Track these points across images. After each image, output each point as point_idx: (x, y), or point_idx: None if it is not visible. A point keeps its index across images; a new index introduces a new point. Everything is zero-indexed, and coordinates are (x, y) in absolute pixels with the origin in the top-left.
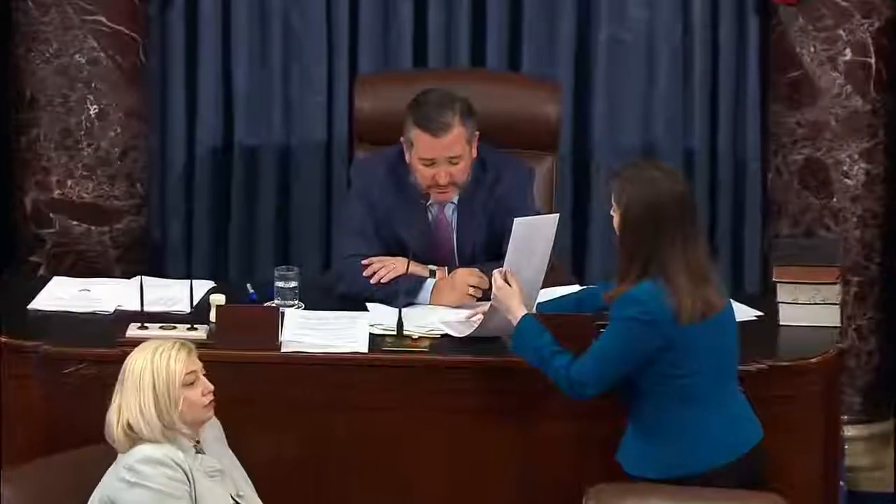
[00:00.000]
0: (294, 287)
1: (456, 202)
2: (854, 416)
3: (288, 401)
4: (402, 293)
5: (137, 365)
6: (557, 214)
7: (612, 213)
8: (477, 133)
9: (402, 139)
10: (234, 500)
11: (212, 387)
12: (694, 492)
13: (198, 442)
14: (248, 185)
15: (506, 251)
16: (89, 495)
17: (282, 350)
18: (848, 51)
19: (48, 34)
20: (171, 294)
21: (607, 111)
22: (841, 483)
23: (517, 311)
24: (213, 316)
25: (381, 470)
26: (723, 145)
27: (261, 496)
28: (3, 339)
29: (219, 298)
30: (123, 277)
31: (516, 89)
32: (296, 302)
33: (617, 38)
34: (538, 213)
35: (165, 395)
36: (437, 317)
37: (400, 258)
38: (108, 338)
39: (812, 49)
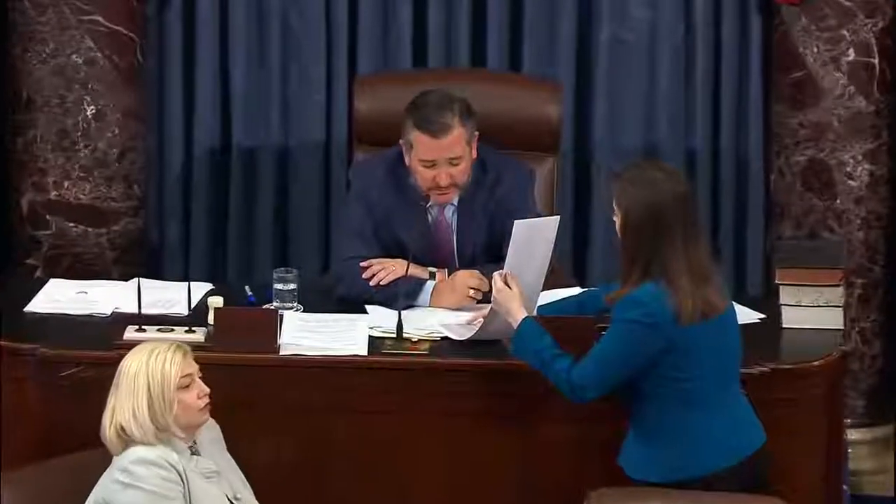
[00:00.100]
0: (293, 289)
1: (456, 204)
2: (857, 420)
3: (287, 404)
4: (401, 295)
5: (132, 367)
6: (558, 216)
7: (613, 217)
8: (476, 133)
9: (401, 141)
10: (230, 501)
11: (207, 389)
12: (696, 496)
13: (194, 443)
14: (247, 186)
15: (506, 253)
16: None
17: (280, 353)
18: (851, 51)
19: (45, 34)
20: (168, 296)
21: (608, 112)
22: (844, 487)
23: (517, 314)
24: (211, 318)
25: (380, 473)
26: (725, 146)
27: (259, 499)
28: (0, 342)
29: (217, 301)
30: (121, 279)
31: (517, 90)
32: (294, 304)
33: (618, 37)
34: (539, 215)
35: (160, 398)
36: (437, 319)
37: (399, 260)
38: (105, 340)
39: (815, 49)
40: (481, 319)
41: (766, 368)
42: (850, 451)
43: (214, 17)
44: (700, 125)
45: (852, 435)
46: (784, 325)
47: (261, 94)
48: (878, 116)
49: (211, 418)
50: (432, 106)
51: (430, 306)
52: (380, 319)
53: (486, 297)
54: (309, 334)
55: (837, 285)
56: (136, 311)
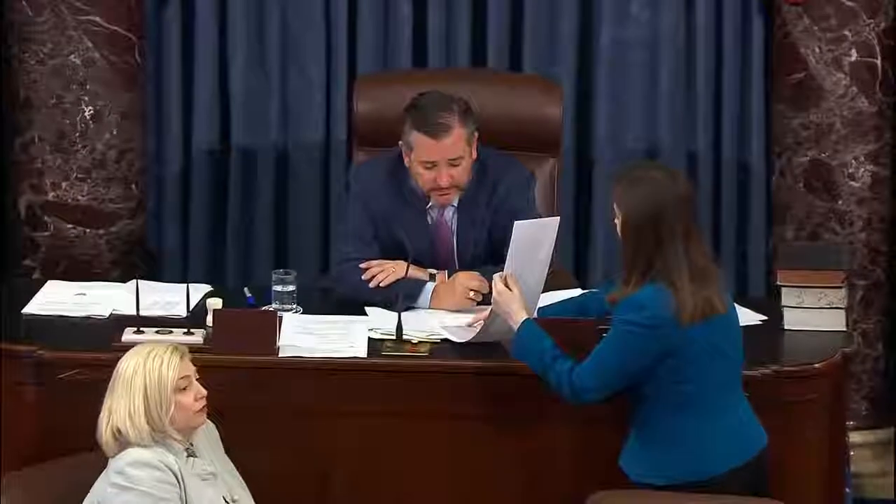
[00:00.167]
0: (292, 291)
1: (456, 205)
2: (860, 422)
3: (286, 406)
4: (401, 297)
5: (129, 368)
6: (558, 218)
7: (615, 220)
8: (476, 133)
9: (400, 143)
10: (227, 503)
11: (205, 392)
12: (698, 499)
13: (190, 445)
14: (246, 187)
15: (506, 255)
16: None
17: (279, 355)
18: (853, 51)
19: (43, 34)
20: (167, 298)
21: (610, 112)
22: (846, 490)
23: (518, 316)
24: (209, 320)
25: (380, 476)
26: (726, 147)
27: (258, 502)
28: None
29: (216, 302)
30: (119, 281)
31: (517, 90)
32: (294, 306)
33: (619, 38)
34: (539, 217)
35: (157, 400)
36: (437, 321)
37: (399, 262)
38: (103, 342)
39: (817, 50)
40: (481, 321)
41: (767, 371)
42: (852, 453)
43: (213, 16)
44: (701, 126)
45: (855, 438)
46: (786, 327)
47: (260, 95)
48: (880, 117)
49: (208, 420)
50: (432, 107)
51: (430, 308)
52: (379, 321)
53: (486, 299)
54: (308, 336)
55: (840, 286)
56: (134, 312)
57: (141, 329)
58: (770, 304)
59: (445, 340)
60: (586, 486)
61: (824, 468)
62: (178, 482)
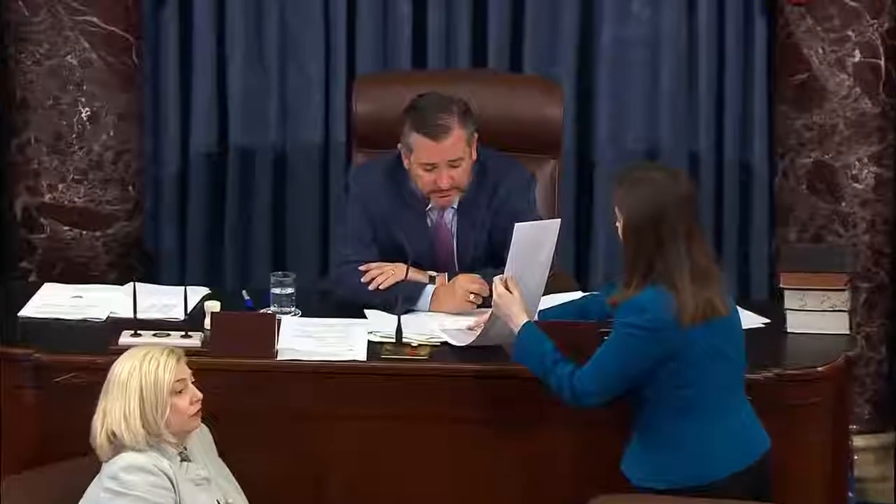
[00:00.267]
0: (291, 293)
1: (456, 207)
2: (863, 426)
3: (284, 409)
4: (401, 300)
5: (124, 371)
6: (559, 220)
7: (616, 223)
8: (476, 134)
9: (399, 145)
10: None
11: (200, 395)
12: (700, 503)
13: (184, 449)
14: (244, 188)
15: (507, 257)
16: None
17: (278, 358)
18: (857, 52)
19: (39, 35)
20: (164, 301)
21: (611, 113)
22: (850, 494)
23: (518, 319)
24: (207, 323)
25: (379, 479)
26: (729, 148)
27: None
28: None
29: (214, 305)
30: (116, 284)
31: (518, 91)
32: (292, 309)
33: (620, 37)
34: (540, 219)
35: (152, 403)
36: (437, 324)
37: (399, 264)
38: (100, 345)
39: (820, 50)
40: (482, 324)
41: (770, 374)
42: (855, 458)
43: (211, 16)
44: (704, 127)
45: (858, 442)
46: (788, 330)
47: (258, 95)
48: (883, 118)
49: (202, 424)
50: (431, 108)
51: (429, 311)
52: (379, 324)
53: (486, 302)
54: (307, 339)
55: (843, 289)
56: (131, 315)
57: (138, 332)
58: (773, 306)
59: (445, 344)
60: (587, 490)
61: (827, 472)
62: (173, 487)
